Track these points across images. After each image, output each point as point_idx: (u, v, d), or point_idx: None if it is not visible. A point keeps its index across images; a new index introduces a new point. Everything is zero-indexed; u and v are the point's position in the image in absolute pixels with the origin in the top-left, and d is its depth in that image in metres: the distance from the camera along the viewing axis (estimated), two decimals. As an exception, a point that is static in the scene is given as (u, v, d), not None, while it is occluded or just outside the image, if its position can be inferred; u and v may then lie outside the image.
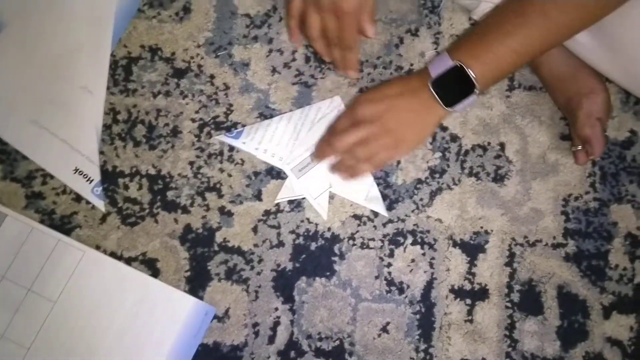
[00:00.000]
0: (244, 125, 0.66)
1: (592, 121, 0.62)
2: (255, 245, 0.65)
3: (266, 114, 0.67)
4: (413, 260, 0.65)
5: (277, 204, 0.65)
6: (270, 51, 0.68)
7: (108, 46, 0.66)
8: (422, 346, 0.64)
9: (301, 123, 0.66)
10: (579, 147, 0.65)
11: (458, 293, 0.65)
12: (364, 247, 0.65)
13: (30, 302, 0.61)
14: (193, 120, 0.66)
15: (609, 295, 0.66)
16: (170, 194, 0.65)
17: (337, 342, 0.64)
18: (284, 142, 0.66)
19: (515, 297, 0.65)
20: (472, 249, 0.66)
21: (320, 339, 0.64)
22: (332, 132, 0.63)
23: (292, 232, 0.65)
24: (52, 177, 0.64)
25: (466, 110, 0.68)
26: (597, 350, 0.65)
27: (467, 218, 0.66)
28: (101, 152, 0.65)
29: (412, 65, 0.69)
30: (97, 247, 0.63)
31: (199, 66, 0.67)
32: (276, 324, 0.63)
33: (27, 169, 0.64)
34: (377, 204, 0.66)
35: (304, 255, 0.65)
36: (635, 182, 0.68)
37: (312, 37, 0.61)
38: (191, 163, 0.66)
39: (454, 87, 0.57)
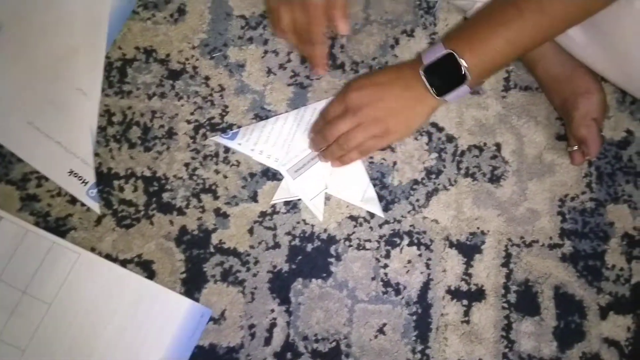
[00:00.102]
0: (239, 127, 0.66)
1: (587, 121, 0.62)
2: (251, 247, 0.64)
3: (262, 115, 0.67)
4: (409, 261, 0.65)
5: (273, 206, 0.65)
6: (266, 52, 0.68)
7: (103, 48, 0.66)
8: (419, 347, 0.64)
9: (297, 124, 0.66)
10: (575, 148, 0.65)
11: (454, 294, 0.65)
12: (360, 248, 0.65)
13: (26, 304, 0.61)
14: (188, 122, 0.66)
15: (605, 296, 0.66)
16: (165, 196, 0.65)
17: (334, 344, 0.63)
18: (280, 143, 0.66)
19: (512, 297, 0.65)
20: (469, 249, 0.66)
21: (317, 341, 0.63)
22: (323, 118, 0.63)
23: (288, 233, 0.65)
24: (47, 179, 0.64)
25: (462, 111, 0.68)
26: (594, 350, 0.64)
27: (464, 219, 0.66)
28: (96, 154, 0.65)
29: (407, 65, 0.69)
30: (92, 249, 0.63)
31: (194, 68, 0.67)
32: (272, 325, 0.63)
33: (22, 171, 0.64)
34: (373, 205, 0.66)
35: (300, 257, 0.65)
36: (631, 182, 0.68)
37: (283, 30, 0.61)
38: (186, 165, 0.65)
39: (445, 76, 0.56)
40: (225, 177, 0.65)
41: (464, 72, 0.55)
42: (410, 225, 0.66)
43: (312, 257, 0.65)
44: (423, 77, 0.57)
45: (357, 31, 0.69)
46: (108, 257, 0.63)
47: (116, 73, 0.67)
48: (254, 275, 0.64)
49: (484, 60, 0.55)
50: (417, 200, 0.66)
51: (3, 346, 0.60)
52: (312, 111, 0.67)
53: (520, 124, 0.68)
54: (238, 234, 0.64)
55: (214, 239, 0.64)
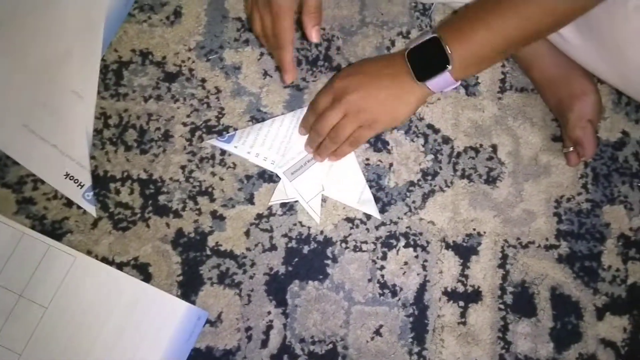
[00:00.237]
0: (235, 129, 0.66)
1: (583, 123, 0.62)
2: (248, 249, 0.64)
3: (258, 117, 0.67)
4: (406, 263, 0.65)
5: (270, 208, 0.65)
6: (262, 54, 0.68)
7: (99, 50, 0.66)
8: (416, 349, 0.64)
9: (293, 126, 0.66)
10: (571, 149, 0.65)
11: (451, 295, 0.65)
12: (357, 250, 0.65)
13: (22, 308, 0.61)
14: (184, 125, 0.66)
15: (602, 297, 0.66)
16: (161, 199, 0.65)
17: (330, 346, 0.63)
18: (276, 145, 0.66)
19: (508, 299, 0.65)
20: (465, 251, 0.66)
21: (314, 343, 0.63)
22: (313, 110, 0.63)
23: (285, 235, 0.65)
24: (42, 182, 0.64)
25: (458, 113, 0.68)
26: (590, 351, 0.65)
27: (460, 220, 0.66)
28: (92, 157, 0.65)
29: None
30: (89, 253, 0.63)
31: (190, 70, 0.67)
32: (269, 327, 0.63)
33: (18, 174, 0.64)
34: (370, 207, 0.66)
35: (296, 259, 0.65)
36: (627, 182, 0.68)
37: (255, 34, 0.61)
38: (183, 167, 0.65)
39: (429, 61, 0.56)
40: (222, 179, 0.65)
41: (447, 59, 0.54)
42: (407, 227, 0.66)
43: (309, 259, 0.65)
44: (406, 60, 0.56)
45: (353, 33, 0.69)
46: (104, 260, 0.63)
47: (112, 75, 0.67)
48: (251, 277, 0.64)
49: (470, 50, 0.54)
50: (414, 201, 0.66)
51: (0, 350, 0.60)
52: (308, 113, 0.67)
53: (516, 126, 0.68)
54: (234, 236, 0.64)
55: (211, 241, 0.64)
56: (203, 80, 0.67)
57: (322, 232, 0.65)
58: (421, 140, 0.68)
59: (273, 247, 0.65)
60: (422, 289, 0.65)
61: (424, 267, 0.65)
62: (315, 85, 0.68)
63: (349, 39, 0.69)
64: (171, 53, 0.67)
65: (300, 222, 0.65)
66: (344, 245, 0.65)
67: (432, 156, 0.67)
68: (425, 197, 0.66)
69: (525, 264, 0.66)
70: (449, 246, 0.66)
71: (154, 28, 0.68)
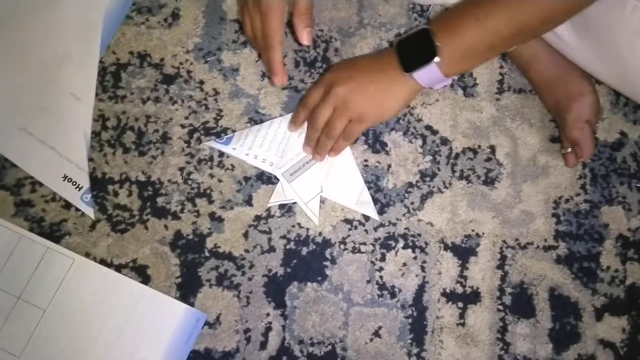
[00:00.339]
0: (234, 131, 0.66)
1: (580, 124, 0.62)
2: (246, 251, 0.64)
3: (256, 119, 0.67)
4: (404, 264, 0.65)
5: (268, 209, 0.65)
6: (260, 56, 0.68)
7: (96, 53, 0.66)
8: (415, 350, 0.64)
9: (291, 128, 0.66)
10: (569, 150, 0.65)
11: (450, 296, 0.65)
12: (355, 251, 0.65)
13: (20, 310, 0.61)
14: (183, 126, 0.66)
15: (600, 297, 0.66)
16: (160, 200, 0.65)
17: (329, 347, 0.63)
18: (275, 147, 0.66)
19: (507, 300, 0.65)
20: (464, 252, 0.66)
21: (312, 344, 0.63)
22: (304, 105, 0.62)
23: (283, 237, 0.65)
24: (41, 184, 0.64)
25: (456, 114, 0.68)
26: (589, 352, 0.65)
27: (458, 221, 0.66)
28: (90, 159, 0.65)
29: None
30: (87, 255, 0.63)
31: (188, 72, 0.67)
32: (268, 329, 0.63)
33: (16, 176, 0.64)
34: (368, 208, 0.66)
35: (295, 260, 0.65)
36: (625, 183, 0.68)
37: (245, 36, 0.61)
38: (181, 169, 0.65)
39: (417, 53, 0.55)
40: (220, 181, 0.65)
41: (435, 51, 0.54)
42: (405, 228, 0.66)
43: (307, 260, 0.65)
44: (394, 51, 0.56)
45: (351, 34, 0.69)
46: (103, 262, 0.63)
47: (110, 78, 0.67)
48: (249, 279, 0.64)
49: (460, 43, 0.54)
50: (412, 203, 0.66)
51: (-2, 352, 0.60)
52: (306, 115, 0.67)
53: (514, 127, 0.68)
54: (233, 238, 0.64)
55: (209, 243, 0.64)
56: (201, 82, 0.67)
57: (320, 234, 0.65)
58: (419, 142, 0.68)
59: (271, 249, 0.65)
60: (420, 290, 0.65)
61: (422, 268, 0.65)
62: (314, 87, 0.68)
63: (347, 41, 0.69)
64: (169, 55, 0.67)
65: (298, 224, 0.65)
66: (342, 246, 0.65)
67: (431, 157, 0.67)
68: (423, 198, 0.66)
69: (523, 265, 0.66)
70: (447, 247, 0.66)
71: (151, 30, 0.68)
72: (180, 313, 0.62)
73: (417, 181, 0.67)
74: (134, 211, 0.64)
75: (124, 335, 0.61)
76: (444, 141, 0.68)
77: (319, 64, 0.68)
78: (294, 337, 0.63)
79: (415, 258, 0.65)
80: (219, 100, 0.67)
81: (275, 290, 0.64)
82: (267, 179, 0.66)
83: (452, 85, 0.69)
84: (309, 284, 0.64)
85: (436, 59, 0.54)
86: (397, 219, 0.66)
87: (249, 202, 0.65)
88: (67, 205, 0.64)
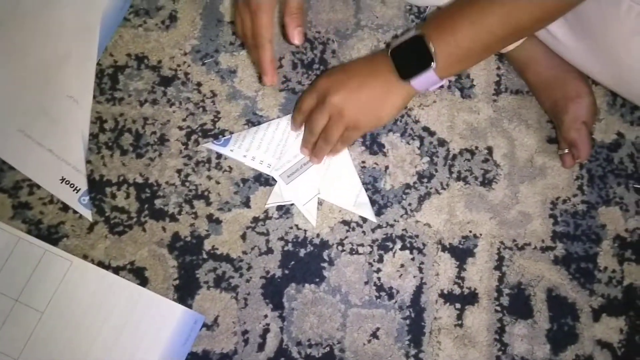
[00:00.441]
0: (231, 133, 0.66)
1: (577, 125, 0.63)
2: (244, 253, 0.64)
3: (254, 120, 0.67)
4: (402, 266, 0.65)
5: (266, 211, 0.65)
6: (250, 55, 0.68)
7: (94, 55, 0.66)
8: (412, 351, 0.64)
9: (289, 130, 0.66)
10: (566, 151, 0.65)
11: (447, 297, 0.65)
12: (353, 252, 0.65)
13: (18, 312, 0.61)
14: (180, 128, 0.66)
15: (598, 298, 0.66)
16: (158, 202, 0.65)
17: (327, 349, 0.63)
18: (272, 149, 0.66)
19: (505, 300, 0.65)
20: (461, 253, 0.66)
21: (310, 346, 0.63)
22: (299, 110, 0.62)
23: (281, 238, 0.65)
24: (38, 187, 0.64)
25: (453, 115, 0.68)
26: (587, 353, 0.65)
27: (456, 222, 0.66)
28: (88, 161, 0.65)
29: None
30: (85, 257, 0.63)
31: (186, 74, 0.67)
32: (266, 331, 0.63)
33: (14, 179, 0.64)
34: (366, 210, 0.66)
35: (293, 262, 0.65)
36: (622, 184, 0.68)
37: (237, 36, 0.61)
38: (179, 171, 0.65)
39: (412, 60, 0.55)
40: (218, 183, 0.65)
41: (431, 57, 0.53)
42: (403, 230, 0.66)
43: (305, 262, 0.65)
44: (390, 59, 0.56)
45: (348, 36, 0.69)
46: (100, 264, 0.63)
47: (108, 80, 0.67)
48: (247, 281, 0.64)
49: (454, 47, 0.53)
50: (410, 204, 0.66)
51: (-4, 355, 0.60)
52: (303, 116, 0.67)
53: (511, 128, 0.69)
54: (231, 240, 0.64)
55: (207, 245, 0.64)
56: (199, 84, 0.67)
57: (318, 235, 0.65)
58: (417, 143, 0.68)
59: (269, 251, 0.65)
60: (418, 291, 0.65)
61: (420, 270, 0.65)
62: (311, 89, 0.68)
63: (344, 42, 0.69)
64: (167, 57, 0.68)
65: (296, 225, 0.65)
66: (340, 248, 0.65)
67: (428, 159, 0.67)
68: (421, 200, 0.67)
69: (521, 266, 0.66)
70: (445, 248, 0.66)
71: (149, 32, 0.68)
72: (178, 315, 0.62)
73: (414, 182, 0.67)
74: (132, 213, 0.64)
75: (122, 337, 0.61)
76: (442, 142, 0.68)
77: (317, 65, 0.68)
78: (291, 339, 0.63)
79: (412, 259, 0.65)
80: (216, 102, 0.67)
81: (273, 291, 0.64)
82: (265, 181, 0.66)
83: (449, 87, 0.69)
84: (306, 285, 0.64)
85: (433, 65, 0.54)
86: (395, 220, 0.66)
87: (246, 203, 0.65)
88: (65, 208, 0.64)
